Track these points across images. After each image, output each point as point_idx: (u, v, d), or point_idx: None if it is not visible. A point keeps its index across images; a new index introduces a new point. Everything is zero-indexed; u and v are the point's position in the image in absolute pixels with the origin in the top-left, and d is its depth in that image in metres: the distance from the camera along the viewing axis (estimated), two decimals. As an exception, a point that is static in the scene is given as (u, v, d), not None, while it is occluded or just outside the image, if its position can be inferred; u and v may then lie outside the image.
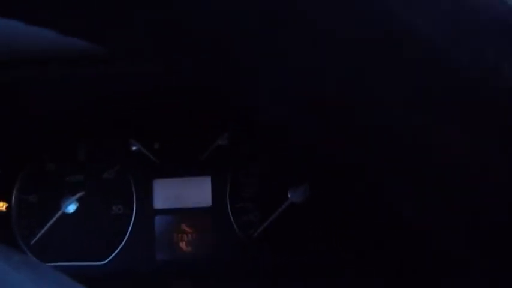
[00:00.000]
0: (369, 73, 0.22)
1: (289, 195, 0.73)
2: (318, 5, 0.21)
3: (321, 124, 0.25)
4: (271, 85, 0.24)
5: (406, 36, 0.20)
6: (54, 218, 0.74)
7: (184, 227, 0.74)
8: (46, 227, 0.75)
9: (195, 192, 0.74)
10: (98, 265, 0.74)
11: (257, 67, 0.23)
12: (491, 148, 0.22)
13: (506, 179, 0.22)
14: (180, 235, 0.74)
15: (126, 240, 0.74)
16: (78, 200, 0.75)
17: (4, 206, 0.74)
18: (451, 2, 0.20)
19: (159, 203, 0.75)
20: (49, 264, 0.68)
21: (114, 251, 0.74)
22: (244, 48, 0.23)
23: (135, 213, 0.74)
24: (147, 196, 0.74)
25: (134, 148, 0.75)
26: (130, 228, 0.74)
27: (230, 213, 0.74)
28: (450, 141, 0.22)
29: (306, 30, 0.21)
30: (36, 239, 0.75)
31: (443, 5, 0.20)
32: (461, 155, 0.22)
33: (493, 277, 0.27)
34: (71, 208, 0.75)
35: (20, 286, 0.28)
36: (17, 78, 0.62)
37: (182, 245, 0.74)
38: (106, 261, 0.74)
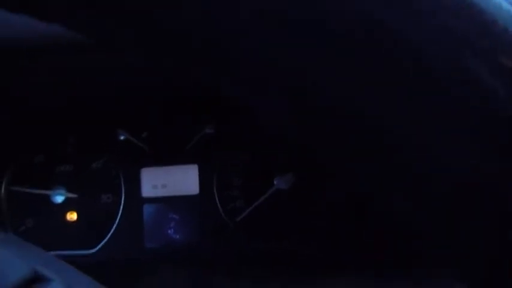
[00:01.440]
0: (353, 74, 0.22)
1: (275, 182, 0.74)
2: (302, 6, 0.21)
3: (302, 120, 0.26)
4: (252, 78, 0.25)
5: (389, 39, 0.21)
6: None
7: (172, 214, 0.75)
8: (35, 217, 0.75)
9: (182, 180, 0.75)
10: (87, 253, 0.75)
11: (239, 62, 0.24)
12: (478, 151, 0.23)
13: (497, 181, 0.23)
14: (168, 223, 0.75)
15: (115, 229, 0.75)
16: (68, 190, 0.75)
17: (-7, 197, 0.75)
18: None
19: (147, 191, 0.75)
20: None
21: (103, 239, 0.75)
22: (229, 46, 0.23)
23: (124, 202, 0.75)
24: (135, 185, 0.75)
25: (122, 138, 0.75)
26: (119, 216, 0.75)
27: (217, 201, 0.75)
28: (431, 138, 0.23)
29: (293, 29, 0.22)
30: (25, 228, 0.75)
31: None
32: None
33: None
34: (60, 198, 0.76)
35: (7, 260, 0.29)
36: (5, 70, 0.63)
37: (170, 232, 0.75)
38: (95, 249, 0.75)
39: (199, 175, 0.75)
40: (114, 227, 0.75)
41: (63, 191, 0.76)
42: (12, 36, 0.59)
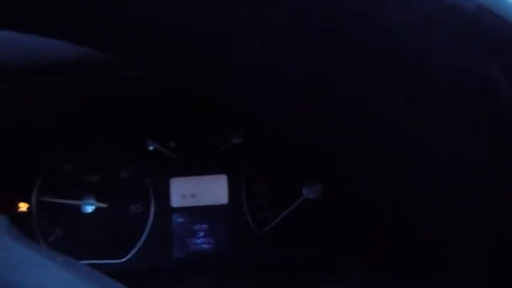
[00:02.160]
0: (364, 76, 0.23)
1: (303, 192, 0.74)
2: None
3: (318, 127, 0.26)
4: (269, 90, 0.25)
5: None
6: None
7: (201, 224, 0.75)
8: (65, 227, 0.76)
9: (211, 190, 0.76)
10: (116, 263, 0.75)
11: (256, 75, 0.24)
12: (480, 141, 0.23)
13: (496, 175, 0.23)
14: (197, 232, 0.75)
15: (144, 239, 0.75)
16: (97, 200, 0.76)
17: (25, 207, 0.76)
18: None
19: (176, 201, 0.76)
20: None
21: (133, 249, 0.75)
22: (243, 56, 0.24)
23: (153, 212, 0.76)
24: (164, 195, 0.76)
25: (151, 148, 0.76)
26: (148, 226, 0.75)
27: (246, 211, 0.75)
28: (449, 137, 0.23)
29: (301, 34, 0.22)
30: (55, 238, 0.76)
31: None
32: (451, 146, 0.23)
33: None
34: (90, 208, 0.76)
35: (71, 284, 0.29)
36: (41, 82, 0.64)
37: (199, 242, 0.75)
38: (124, 259, 0.75)
39: (228, 185, 0.75)
40: (144, 236, 0.75)
41: (92, 201, 0.76)
42: (49, 52, 0.60)
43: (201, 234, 0.76)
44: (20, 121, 0.71)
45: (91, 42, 0.27)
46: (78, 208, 0.77)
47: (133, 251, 0.75)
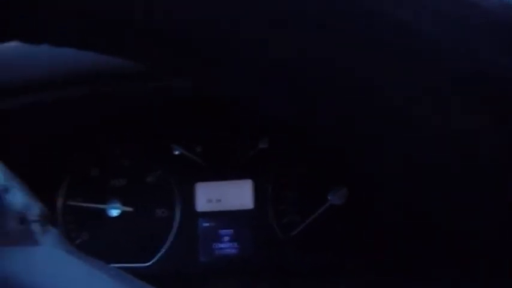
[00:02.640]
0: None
1: (329, 197, 0.74)
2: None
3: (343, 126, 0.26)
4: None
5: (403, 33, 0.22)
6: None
7: (226, 229, 0.76)
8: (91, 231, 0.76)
9: (237, 194, 0.76)
10: (141, 267, 0.76)
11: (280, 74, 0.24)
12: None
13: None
14: (222, 237, 0.76)
15: (169, 243, 0.76)
16: (123, 204, 0.77)
17: (51, 211, 0.76)
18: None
19: (201, 205, 0.76)
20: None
21: (158, 253, 0.76)
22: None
23: (178, 216, 0.76)
24: (189, 199, 0.76)
25: (176, 152, 0.76)
26: (173, 230, 0.76)
27: (272, 216, 0.75)
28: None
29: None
30: (81, 241, 0.76)
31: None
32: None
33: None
34: (115, 212, 0.77)
35: None
36: (70, 92, 0.64)
37: (224, 246, 0.76)
38: (150, 263, 0.76)
39: (254, 190, 0.76)
40: (169, 241, 0.76)
41: (118, 205, 0.77)
42: (83, 62, 0.61)
43: (227, 238, 0.76)
44: (49, 128, 0.72)
45: (94, 44, 0.27)
46: (104, 212, 0.77)
47: (158, 255, 0.76)
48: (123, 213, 0.77)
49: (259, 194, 0.76)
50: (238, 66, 0.25)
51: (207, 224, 0.76)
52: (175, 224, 0.76)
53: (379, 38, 0.22)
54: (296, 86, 0.25)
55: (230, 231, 0.76)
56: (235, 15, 0.23)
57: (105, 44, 0.26)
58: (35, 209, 0.31)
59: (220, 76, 0.26)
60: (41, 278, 0.28)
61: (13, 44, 0.61)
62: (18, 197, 0.30)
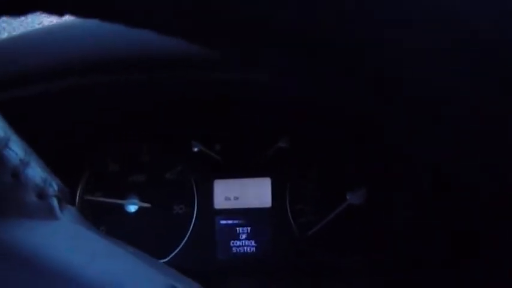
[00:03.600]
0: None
1: (347, 197, 0.74)
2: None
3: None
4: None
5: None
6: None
7: (243, 226, 0.76)
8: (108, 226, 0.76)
9: (255, 192, 0.76)
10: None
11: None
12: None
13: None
14: (239, 235, 0.76)
15: (187, 239, 0.76)
16: (141, 199, 0.77)
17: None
18: None
19: (219, 203, 0.76)
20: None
21: (176, 249, 0.76)
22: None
23: (196, 213, 0.76)
24: (207, 196, 0.76)
25: (196, 149, 0.76)
26: (191, 227, 0.76)
27: (289, 214, 0.75)
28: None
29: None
30: (99, 236, 0.76)
31: None
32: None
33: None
34: (133, 207, 0.77)
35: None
36: (89, 83, 0.65)
37: (241, 244, 0.75)
38: (167, 259, 0.76)
39: (272, 188, 0.76)
40: (186, 237, 0.76)
41: (136, 201, 0.77)
42: (100, 53, 0.61)
43: (244, 236, 0.76)
44: (70, 122, 0.72)
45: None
46: (122, 207, 0.77)
47: (175, 252, 0.76)
48: (140, 209, 0.77)
49: (277, 192, 0.75)
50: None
51: (224, 222, 0.76)
52: (193, 221, 0.76)
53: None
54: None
55: (247, 229, 0.76)
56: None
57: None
58: (53, 185, 0.31)
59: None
60: (60, 252, 0.28)
61: (32, 31, 0.62)
62: (38, 172, 0.30)
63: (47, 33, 0.64)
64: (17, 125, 0.33)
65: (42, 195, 0.30)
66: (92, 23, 0.38)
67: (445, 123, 0.23)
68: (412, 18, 0.21)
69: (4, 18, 0.26)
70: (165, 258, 0.76)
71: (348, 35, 0.22)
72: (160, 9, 0.23)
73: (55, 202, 0.30)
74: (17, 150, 0.30)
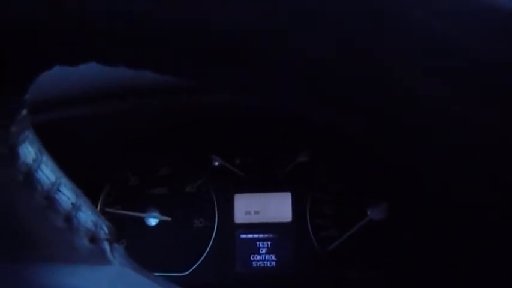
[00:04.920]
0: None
1: (368, 213, 0.74)
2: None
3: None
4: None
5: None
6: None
7: (264, 241, 0.76)
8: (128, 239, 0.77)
9: (275, 207, 0.76)
10: (179, 276, 0.76)
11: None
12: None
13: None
14: (259, 249, 0.76)
15: (207, 253, 0.76)
16: (162, 213, 0.77)
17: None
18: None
19: (239, 217, 0.77)
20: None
21: (196, 263, 0.76)
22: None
23: (217, 227, 0.76)
24: (228, 210, 0.77)
25: (216, 163, 0.77)
26: (211, 241, 0.76)
27: (310, 229, 0.75)
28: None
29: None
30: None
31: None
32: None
33: None
34: (154, 221, 0.77)
35: None
36: (113, 104, 0.65)
37: (262, 258, 0.76)
38: (188, 272, 0.76)
39: (293, 203, 0.76)
40: (207, 251, 0.76)
41: (157, 214, 0.77)
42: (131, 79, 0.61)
43: (264, 251, 0.76)
44: (92, 137, 0.73)
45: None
46: (142, 220, 0.78)
47: (196, 265, 0.76)
48: (161, 223, 0.77)
49: (297, 207, 0.76)
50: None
51: (244, 236, 0.76)
52: (213, 235, 0.76)
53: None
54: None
55: (268, 243, 0.76)
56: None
57: (149, 63, 0.26)
58: (104, 228, 0.31)
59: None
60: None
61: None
62: (89, 215, 0.31)
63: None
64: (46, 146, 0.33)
65: (94, 239, 0.30)
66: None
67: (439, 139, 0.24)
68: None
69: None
70: (185, 271, 0.76)
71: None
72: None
73: (107, 246, 0.30)
74: (68, 194, 0.30)
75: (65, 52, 0.26)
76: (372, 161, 0.75)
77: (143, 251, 0.78)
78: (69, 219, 0.30)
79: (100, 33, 0.23)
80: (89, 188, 0.75)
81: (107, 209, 0.78)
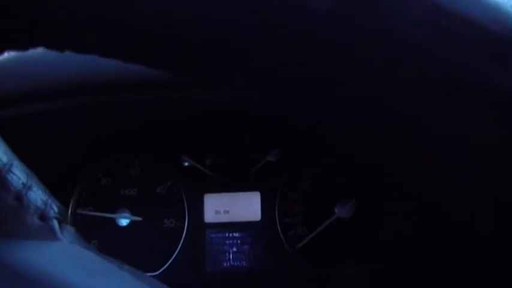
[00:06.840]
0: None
1: (336, 211, 0.75)
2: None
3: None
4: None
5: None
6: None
7: (233, 240, 0.77)
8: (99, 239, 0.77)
9: (244, 206, 0.77)
10: (150, 275, 0.76)
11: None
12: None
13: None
14: (229, 248, 0.77)
15: (177, 253, 0.77)
16: (132, 213, 0.78)
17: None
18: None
19: (209, 217, 0.77)
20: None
21: (166, 263, 0.77)
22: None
23: (187, 227, 0.77)
24: (198, 210, 0.77)
25: (186, 164, 0.78)
26: (182, 241, 0.77)
27: (279, 228, 0.76)
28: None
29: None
30: (91, 250, 0.77)
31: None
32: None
33: None
34: (125, 221, 0.78)
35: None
36: (81, 101, 0.66)
37: (232, 257, 0.77)
38: (158, 272, 0.77)
39: (262, 202, 0.77)
40: (177, 251, 0.77)
41: (128, 214, 0.78)
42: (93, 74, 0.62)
43: (234, 250, 0.77)
44: (60, 137, 0.73)
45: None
46: (113, 221, 0.78)
47: (166, 265, 0.77)
48: (132, 223, 0.78)
49: (266, 206, 0.77)
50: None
51: (214, 235, 0.77)
52: (184, 235, 0.77)
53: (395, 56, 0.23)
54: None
55: (237, 242, 0.77)
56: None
57: (125, 53, 0.27)
58: (53, 207, 0.32)
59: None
60: (62, 272, 0.29)
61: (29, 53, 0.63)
62: (39, 195, 0.32)
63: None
64: (12, 143, 0.34)
65: (43, 217, 0.31)
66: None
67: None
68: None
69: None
70: (156, 271, 0.77)
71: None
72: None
73: (56, 223, 0.31)
74: (19, 174, 0.31)
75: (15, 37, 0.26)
76: (339, 160, 0.77)
77: (114, 251, 0.77)
78: (19, 197, 0.31)
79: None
80: (59, 189, 0.76)
81: (78, 211, 0.79)
